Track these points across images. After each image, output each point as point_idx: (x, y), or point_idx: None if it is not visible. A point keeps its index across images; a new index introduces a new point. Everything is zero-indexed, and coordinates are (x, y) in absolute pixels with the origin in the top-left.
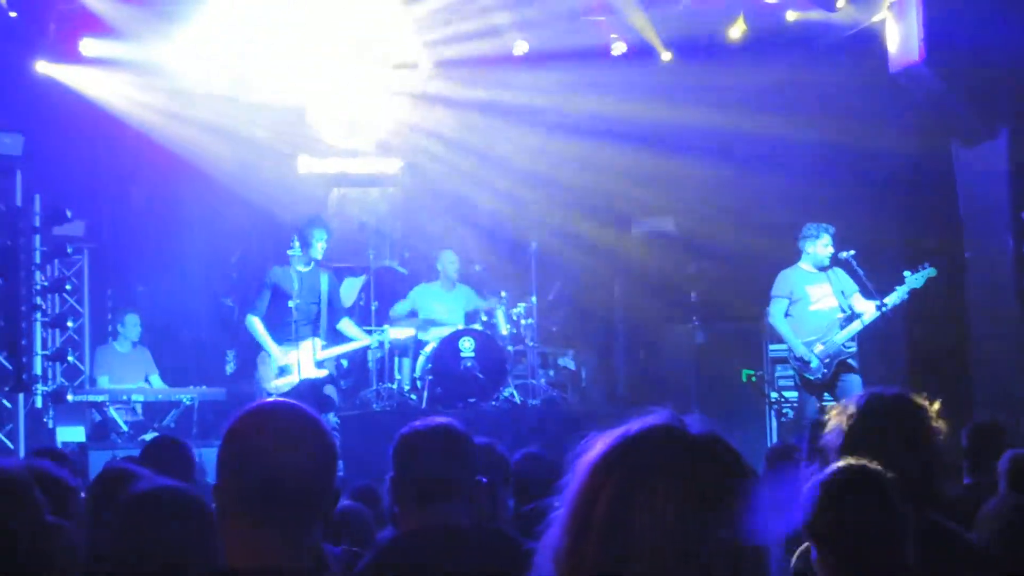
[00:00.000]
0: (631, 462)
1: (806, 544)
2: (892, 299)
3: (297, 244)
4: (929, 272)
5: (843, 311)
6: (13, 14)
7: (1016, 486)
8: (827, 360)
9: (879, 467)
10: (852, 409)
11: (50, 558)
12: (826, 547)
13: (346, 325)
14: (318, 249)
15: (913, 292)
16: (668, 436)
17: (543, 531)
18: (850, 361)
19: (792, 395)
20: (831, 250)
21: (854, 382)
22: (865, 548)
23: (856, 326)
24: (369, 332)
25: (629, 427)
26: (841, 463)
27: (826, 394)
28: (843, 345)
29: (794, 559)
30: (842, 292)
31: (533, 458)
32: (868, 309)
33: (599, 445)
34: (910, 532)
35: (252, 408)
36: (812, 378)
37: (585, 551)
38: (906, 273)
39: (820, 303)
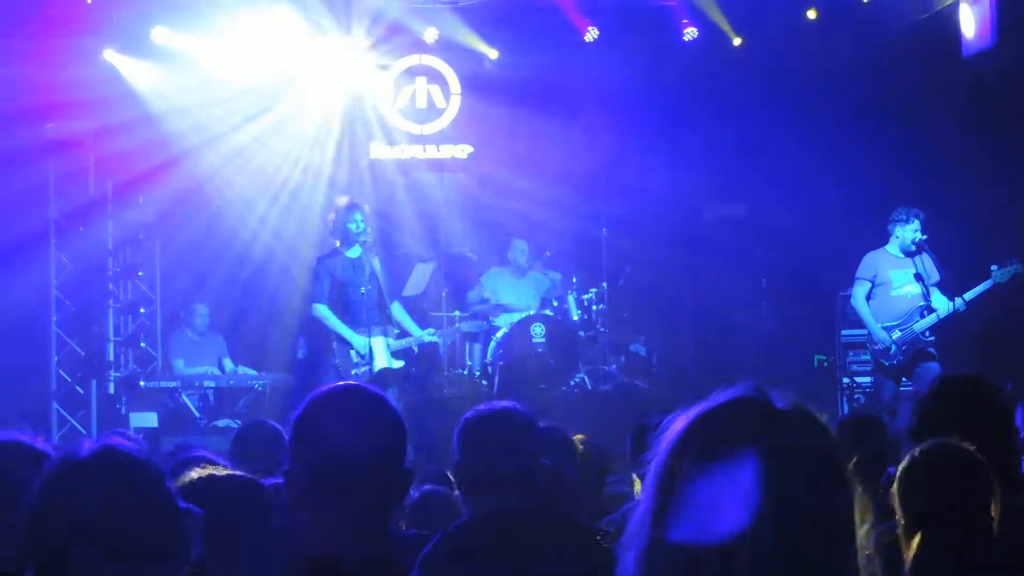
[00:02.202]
0: (712, 429)
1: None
2: (971, 294)
3: (336, 230)
4: (1015, 268)
5: (925, 299)
6: None
7: None
8: (904, 347)
9: (971, 447)
10: (925, 391)
11: (182, 546)
12: (915, 522)
13: (397, 310)
14: (364, 232)
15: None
16: (751, 405)
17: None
18: (929, 350)
19: (865, 380)
20: (919, 235)
21: (932, 370)
22: (955, 526)
23: (933, 317)
24: (439, 319)
25: (712, 399)
26: (934, 441)
27: (904, 378)
28: (921, 334)
29: (876, 533)
30: (927, 279)
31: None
32: (944, 302)
33: (681, 420)
34: (997, 513)
35: (321, 392)
36: (887, 364)
37: (668, 521)
38: (993, 268)
39: (903, 289)
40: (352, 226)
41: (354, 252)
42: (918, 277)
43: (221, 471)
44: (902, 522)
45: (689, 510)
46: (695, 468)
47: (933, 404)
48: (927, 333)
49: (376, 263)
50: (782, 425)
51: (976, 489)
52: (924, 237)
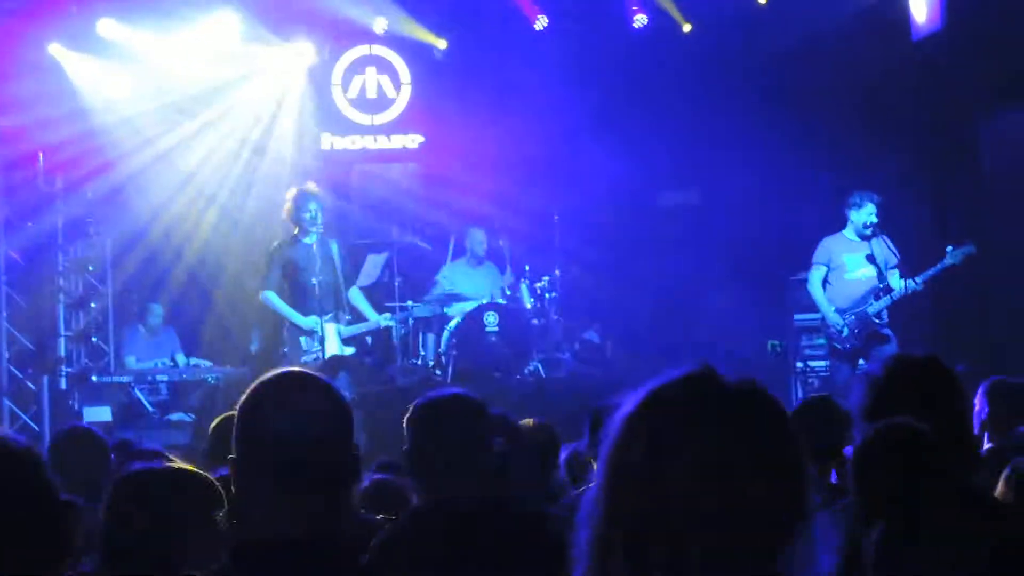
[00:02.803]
0: (665, 407)
1: (849, 499)
2: (926, 274)
3: (289, 219)
4: (968, 250)
5: (880, 282)
6: None
7: None
8: (857, 330)
9: (920, 425)
10: (879, 371)
11: (63, 537)
12: (865, 505)
13: (355, 295)
14: (317, 222)
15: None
16: (703, 382)
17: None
18: (883, 332)
19: (819, 364)
20: (874, 219)
21: (887, 352)
22: (913, 506)
23: (887, 299)
24: (392, 309)
25: (662, 377)
26: (888, 421)
27: (860, 361)
28: (875, 316)
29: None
30: (883, 263)
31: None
32: (899, 282)
33: (632, 398)
34: (950, 493)
35: (265, 379)
36: (841, 347)
37: (622, 501)
38: (948, 248)
39: (858, 272)
40: (307, 215)
41: (310, 239)
42: (871, 259)
43: (166, 463)
44: (859, 502)
45: (641, 489)
46: (648, 447)
47: (886, 383)
48: (882, 316)
49: (335, 248)
50: (734, 401)
51: (932, 468)
52: (876, 221)
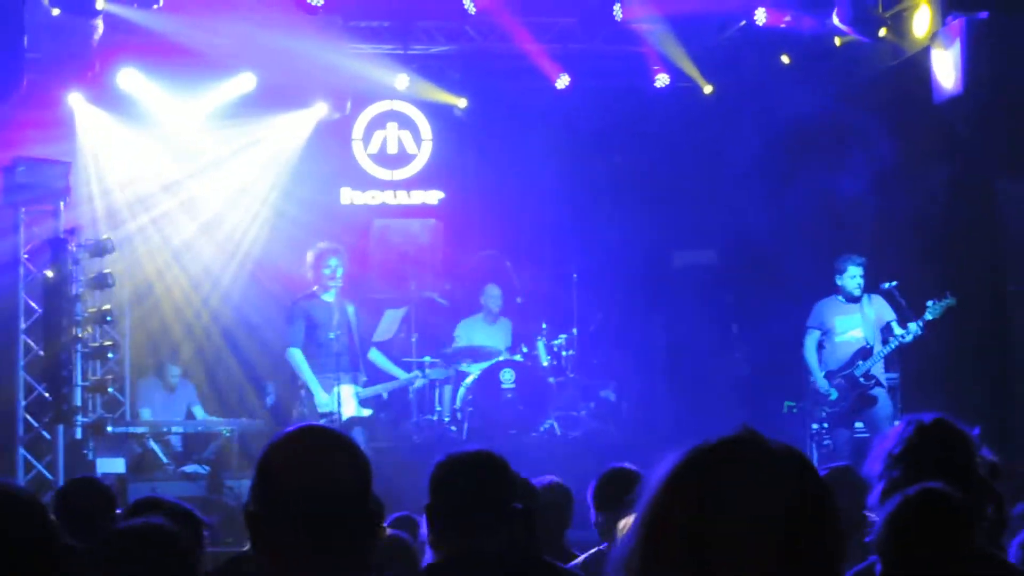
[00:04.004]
0: (715, 468)
1: (870, 560)
2: (901, 331)
3: (311, 274)
4: (948, 302)
5: (868, 343)
6: (56, 11)
7: None
8: (846, 392)
9: (957, 493)
10: (891, 436)
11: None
12: (897, 566)
13: (376, 356)
14: (336, 277)
15: (953, 324)
16: (749, 446)
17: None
18: (872, 392)
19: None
20: (859, 281)
21: (877, 415)
22: (935, 570)
23: (874, 359)
24: (409, 364)
25: (708, 438)
26: (918, 486)
27: (857, 423)
28: (862, 377)
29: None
30: (875, 321)
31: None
32: (899, 331)
33: (672, 459)
34: (975, 556)
35: (284, 434)
36: (830, 410)
37: (662, 561)
38: (928, 303)
39: (848, 334)
40: (327, 270)
41: (328, 296)
42: (866, 321)
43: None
44: (888, 565)
45: (684, 550)
46: (697, 508)
47: (903, 450)
48: (870, 375)
49: (351, 310)
50: (779, 464)
51: (955, 536)
52: (862, 282)
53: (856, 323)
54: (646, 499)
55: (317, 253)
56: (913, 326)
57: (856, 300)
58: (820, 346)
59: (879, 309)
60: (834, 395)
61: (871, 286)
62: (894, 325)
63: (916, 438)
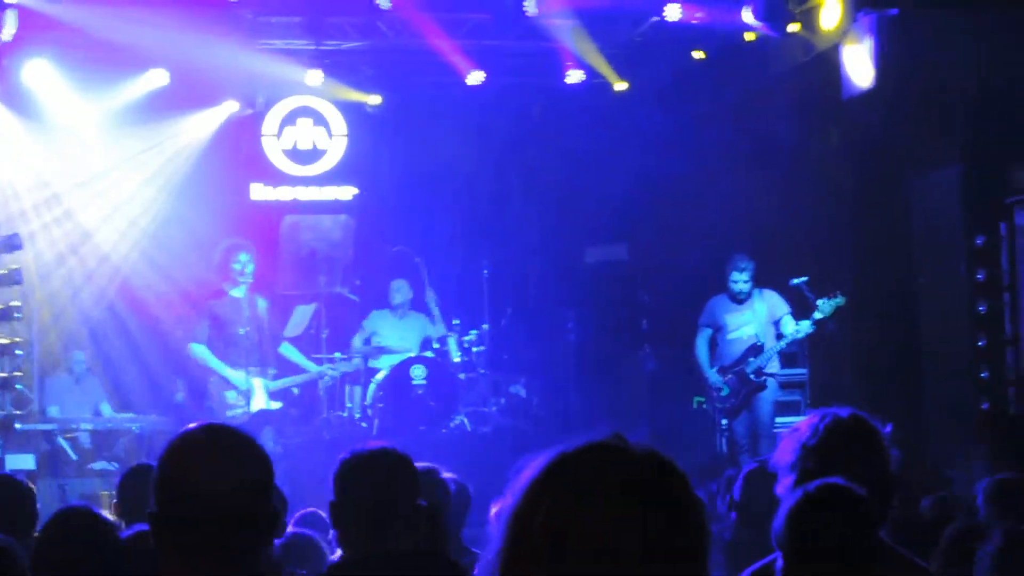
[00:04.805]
0: (569, 475)
1: (772, 557)
2: (790, 329)
3: (219, 270)
4: (838, 301)
5: (758, 340)
6: None
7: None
8: (736, 388)
9: (855, 486)
10: (804, 428)
11: None
12: (797, 562)
13: (288, 350)
14: (245, 273)
15: (862, 319)
16: (607, 451)
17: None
18: (760, 391)
19: None
20: (743, 286)
21: (763, 399)
22: (836, 566)
23: (766, 355)
24: (319, 361)
25: (568, 444)
26: (818, 481)
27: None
28: (752, 374)
29: (752, 570)
30: (766, 318)
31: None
32: (792, 326)
33: (537, 463)
34: (878, 553)
35: (184, 432)
36: (722, 406)
37: (522, 568)
38: (819, 301)
39: (738, 331)
40: (236, 266)
41: (238, 292)
42: (757, 318)
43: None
44: (789, 561)
45: (538, 558)
46: (547, 518)
47: (815, 443)
48: (761, 372)
49: (261, 304)
50: (633, 466)
51: (855, 528)
52: (745, 287)
53: (747, 319)
54: (511, 501)
55: (225, 249)
56: (804, 324)
57: (744, 299)
58: (714, 343)
59: (772, 305)
60: (725, 390)
61: (780, 282)
62: (787, 320)
63: (831, 430)
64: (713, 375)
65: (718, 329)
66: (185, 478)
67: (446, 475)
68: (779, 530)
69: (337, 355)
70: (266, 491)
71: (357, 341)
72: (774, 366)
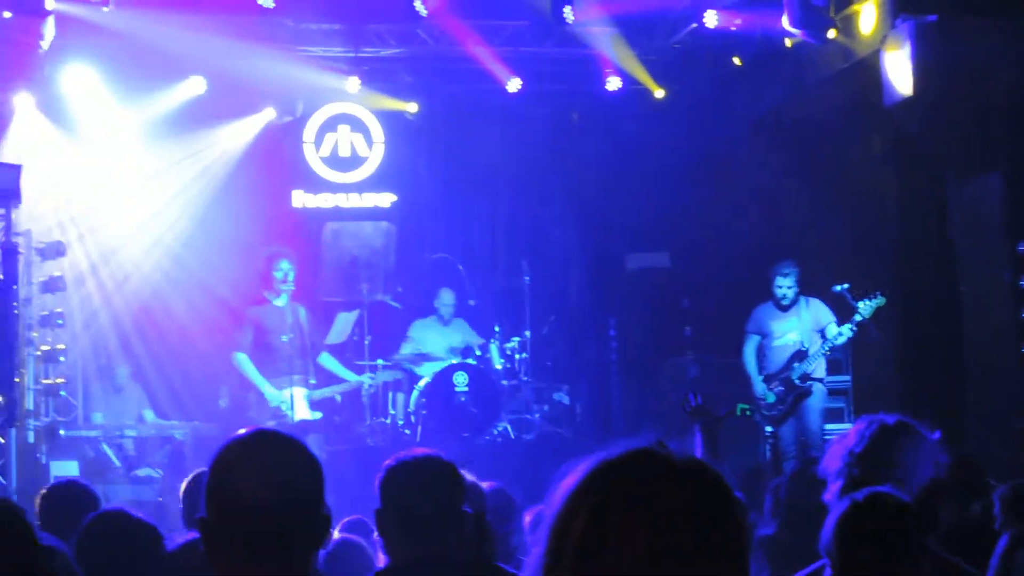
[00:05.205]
0: (607, 483)
1: (820, 563)
2: (835, 332)
3: (262, 278)
4: (879, 302)
5: (803, 346)
6: (7, 14)
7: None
8: (783, 395)
9: (902, 496)
10: (852, 434)
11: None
12: (844, 570)
13: (327, 360)
14: (288, 281)
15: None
16: (647, 459)
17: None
18: (807, 397)
19: None
20: (787, 291)
21: (811, 407)
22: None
23: (809, 362)
24: (362, 368)
25: (610, 451)
26: (866, 490)
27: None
28: (797, 379)
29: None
30: (812, 325)
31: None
32: (834, 331)
33: (579, 469)
34: (926, 560)
35: (235, 439)
36: (769, 414)
37: (562, 573)
38: (859, 304)
39: (783, 338)
40: (278, 274)
41: (280, 301)
42: (802, 326)
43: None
44: (837, 570)
45: (581, 562)
46: (588, 522)
47: (862, 450)
48: (801, 380)
49: (302, 313)
50: (674, 476)
51: (902, 538)
52: (790, 292)
53: (792, 327)
54: (552, 507)
55: (267, 257)
56: (846, 328)
57: (789, 306)
58: (761, 350)
59: (816, 312)
60: (771, 398)
61: (822, 289)
62: (831, 328)
63: (879, 438)
64: (759, 383)
65: (764, 336)
66: (235, 486)
67: (485, 485)
68: (827, 539)
69: (380, 362)
70: (317, 498)
71: (404, 351)
72: (820, 371)
